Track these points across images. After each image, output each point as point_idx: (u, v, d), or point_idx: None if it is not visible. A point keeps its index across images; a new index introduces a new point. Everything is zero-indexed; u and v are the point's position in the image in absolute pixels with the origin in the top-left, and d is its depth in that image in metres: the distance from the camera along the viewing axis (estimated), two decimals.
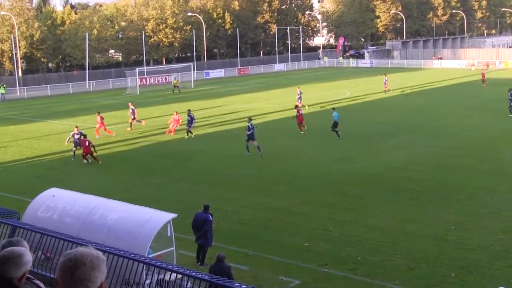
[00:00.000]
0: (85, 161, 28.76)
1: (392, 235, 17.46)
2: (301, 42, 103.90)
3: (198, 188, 23.51)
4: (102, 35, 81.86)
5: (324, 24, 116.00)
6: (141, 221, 13.89)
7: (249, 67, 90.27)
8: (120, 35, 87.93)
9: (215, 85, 68.97)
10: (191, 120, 34.52)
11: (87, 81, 72.05)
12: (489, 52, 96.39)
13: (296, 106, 36.98)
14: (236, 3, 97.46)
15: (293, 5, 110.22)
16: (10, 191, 23.81)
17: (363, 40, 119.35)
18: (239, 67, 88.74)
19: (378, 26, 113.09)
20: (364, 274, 14.88)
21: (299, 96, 43.77)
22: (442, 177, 24.09)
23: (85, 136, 29.55)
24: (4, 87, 60.55)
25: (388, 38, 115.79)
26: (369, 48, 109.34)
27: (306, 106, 43.36)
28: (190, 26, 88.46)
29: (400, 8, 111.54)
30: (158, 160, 29.22)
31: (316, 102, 47.26)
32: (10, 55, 72.25)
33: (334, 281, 14.69)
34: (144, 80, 70.08)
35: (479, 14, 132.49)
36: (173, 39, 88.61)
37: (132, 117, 37.61)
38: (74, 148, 29.63)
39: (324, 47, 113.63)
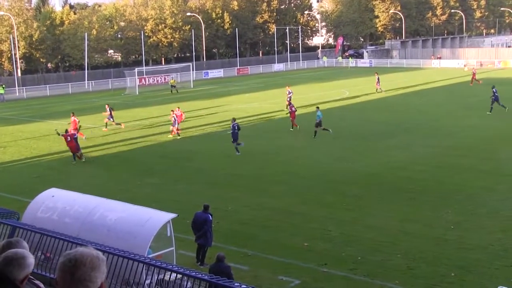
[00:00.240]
0: (79, 159, 28.82)
1: (391, 235, 17.47)
2: (300, 42, 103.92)
3: (198, 188, 23.52)
4: (101, 35, 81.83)
5: (323, 24, 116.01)
6: (141, 221, 13.89)
7: (248, 67, 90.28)
8: (119, 35, 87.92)
9: (214, 85, 68.98)
10: (175, 121, 34.62)
11: (86, 81, 72.04)
12: (488, 51, 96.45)
13: (290, 103, 37.71)
14: (235, 3, 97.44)
15: (292, 5, 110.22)
16: (9, 191, 23.80)
17: (362, 40, 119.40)
18: (238, 67, 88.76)
19: (377, 25, 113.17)
20: (364, 274, 14.88)
21: (289, 95, 44.10)
22: (442, 177, 24.09)
23: (66, 131, 29.46)
24: (3, 87, 60.54)
25: (387, 38, 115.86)
26: (368, 48, 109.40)
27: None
28: (189, 26, 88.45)
29: (399, 8, 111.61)
30: (157, 160, 29.22)
31: (316, 102, 47.24)
32: (9, 55, 72.21)
33: (334, 280, 14.69)
34: (143, 80, 70.09)
35: (478, 14, 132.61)
36: (172, 39, 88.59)
37: (109, 118, 37.54)
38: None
39: (323, 47, 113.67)
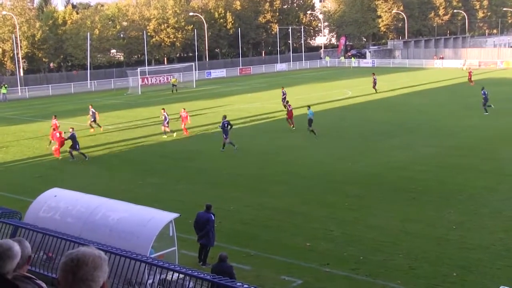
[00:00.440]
0: (71, 159, 29.12)
1: (393, 235, 17.47)
2: (302, 42, 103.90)
3: (199, 188, 23.54)
4: (104, 35, 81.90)
5: (326, 24, 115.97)
6: (143, 221, 13.90)
7: (251, 67, 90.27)
8: (121, 35, 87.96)
9: (216, 85, 68.98)
10: (165, 119, 34.70)
11: (88, 81, 72.08)
12: (490, 52, 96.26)
13: (287, 102, 37.92)
14: (238, 3, 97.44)
15: (295, 4, 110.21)
16: (11, 191, 23.85)
17: (365, 39, 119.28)
18: (240, 67, 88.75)
19: (380, 25, 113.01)
20: (366, 274, 14.89)
21: (283, 96, 44.03)
22: (443, 177, 24.08)
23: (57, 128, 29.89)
24: (6, 87, 60.60)
25: (390, 38, 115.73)
26: (370, 48, 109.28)
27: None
28: (192, 26, 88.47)
29: (401, 8, 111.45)
30: (158, 160, 29.24)
31: (318, 102, 47.23)
32: (12, 55, 72.29)
33: (336, 280, 14.70)
34: (145, 80, 70.16)
35: (480, 14, 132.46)
36: (174, 39, 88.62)
37: (92, 119, 37.64)
38: (70, 149, 29.64)
39: (325, 47, 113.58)
